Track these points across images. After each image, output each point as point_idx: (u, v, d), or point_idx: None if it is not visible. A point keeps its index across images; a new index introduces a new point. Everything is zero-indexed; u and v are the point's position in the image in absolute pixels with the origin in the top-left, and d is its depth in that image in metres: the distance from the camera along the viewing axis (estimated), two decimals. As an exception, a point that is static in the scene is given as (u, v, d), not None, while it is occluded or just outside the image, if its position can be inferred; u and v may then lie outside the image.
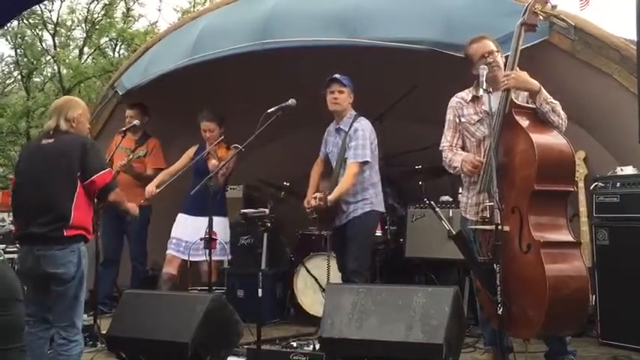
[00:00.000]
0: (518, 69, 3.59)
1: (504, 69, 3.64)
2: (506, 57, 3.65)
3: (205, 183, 4.58)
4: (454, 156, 3.79)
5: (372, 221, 4.67)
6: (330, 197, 4.52)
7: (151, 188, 5.26)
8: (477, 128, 3.77)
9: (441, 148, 3.89)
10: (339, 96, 4.64)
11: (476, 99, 3.78)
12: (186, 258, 5.18)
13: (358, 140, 4.57)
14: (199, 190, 4.62)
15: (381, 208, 4.75)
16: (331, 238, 5.01)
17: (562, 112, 3.57)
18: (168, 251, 5.31)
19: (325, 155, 4.93)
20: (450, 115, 3.88)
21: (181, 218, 5.37)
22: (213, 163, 5.02)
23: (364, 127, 4.64)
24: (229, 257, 5.48)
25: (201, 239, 5.18)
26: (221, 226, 5.24)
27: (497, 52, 3.73)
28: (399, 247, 5.56)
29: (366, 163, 4.58)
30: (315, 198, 4.59)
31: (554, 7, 3.76)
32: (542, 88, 3.54)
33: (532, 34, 3.79)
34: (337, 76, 4.61)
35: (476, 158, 3.66)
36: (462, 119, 3.82)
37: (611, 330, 4.27)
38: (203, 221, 4.73)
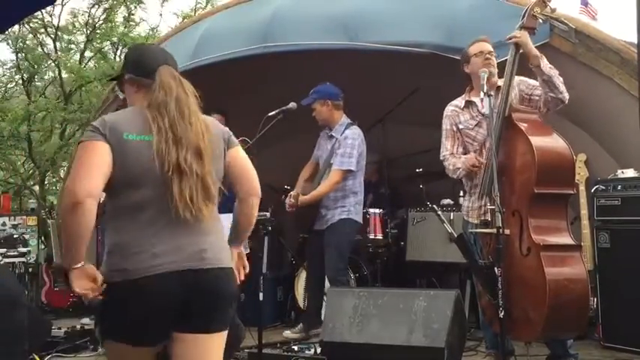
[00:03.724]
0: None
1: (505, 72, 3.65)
2: (504, 61, 3.67)
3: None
4: (457, 160, 3.80)
5: (348, 228, 4.77)
6: (304, 198, 4.69)
7: None
8: (476, 132, 3.78)
9: (442, 158, 3.89)
10: (315, 113, 4.85)
11: (469, 104, 3.80)
12: None
13: (346, 148, 4.72)
14: None
15: (359, 219, 4.83)
16: (308, 240, 5.13)
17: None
18: None
19: (317, 158, 5.10)
20: (446, 125, 3.88)
21: None
22: None
23: (355, 136, 4.76)
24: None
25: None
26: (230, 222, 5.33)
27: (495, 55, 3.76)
28: (400, 251, 5.56)
29: (349, 171, 4.71)
30: (289, 196, 4.75)
31: (553, 9, 3.77)
32: (542, 55, 3.55)
33: (533, 37, 3.79)
34: (302, 102, 4.73)
35: (477, 157, 3.66)
36: (460, 126, 3.83)
37: (613, 333, 4.26)
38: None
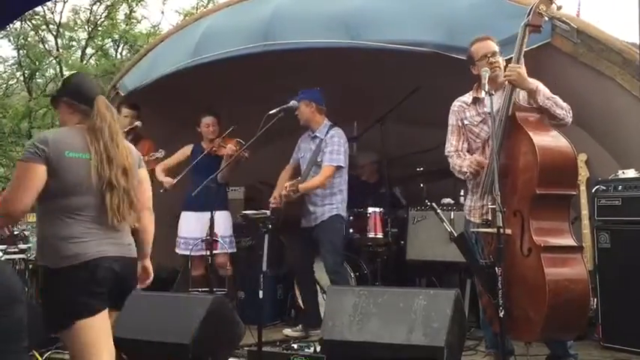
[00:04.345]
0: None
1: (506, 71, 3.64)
2: (509, 59, 3.66)
3: (207, 184, 4.69)
4: (463, 162, 3.78)
5: (338, 224, 4.92)
6: (301, 186, 4.75)
7: (169, 179, 5.34)
8: (480, 129, 3.77)
9: (447, 154, 3.88)
10: (298, 112, 4.95)
11: (477, 100, 3.79)
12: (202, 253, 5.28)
13: (334, 146, 4.86)
14: (203, 187, 4.78)
15: (345, 215, 5.01)
16: (299, 236, 5.12)
17: (564, 103, 3.58)
18: (182, 252, 5.37)
19: (296, 161, 5.18)
20: (452, 120, 3.88)
21: (187, 217, 5.41)
22: (230, 147, 5.08)
23: (340, 135, 4.94)
24: (234, 250, 5.52)
25: (202, 240, 5.20)
26: (225, 219, 5.37)
27: (499, 53, 3.75)
28: (400, 250, 5.55)
29: (339, 168, 4.87)
30: (285, 187, 4.80)
31: (559, 7, 3.76)
32: (538, 86, 3.55)
33: (534, 37, 3.79)
34: (290, 102, 4.81)
35: (481, 159, 3.66)
36: (465, 122, 3.83)
37: (613, 333, 4.26)
38: (208, 216, 5.01)
